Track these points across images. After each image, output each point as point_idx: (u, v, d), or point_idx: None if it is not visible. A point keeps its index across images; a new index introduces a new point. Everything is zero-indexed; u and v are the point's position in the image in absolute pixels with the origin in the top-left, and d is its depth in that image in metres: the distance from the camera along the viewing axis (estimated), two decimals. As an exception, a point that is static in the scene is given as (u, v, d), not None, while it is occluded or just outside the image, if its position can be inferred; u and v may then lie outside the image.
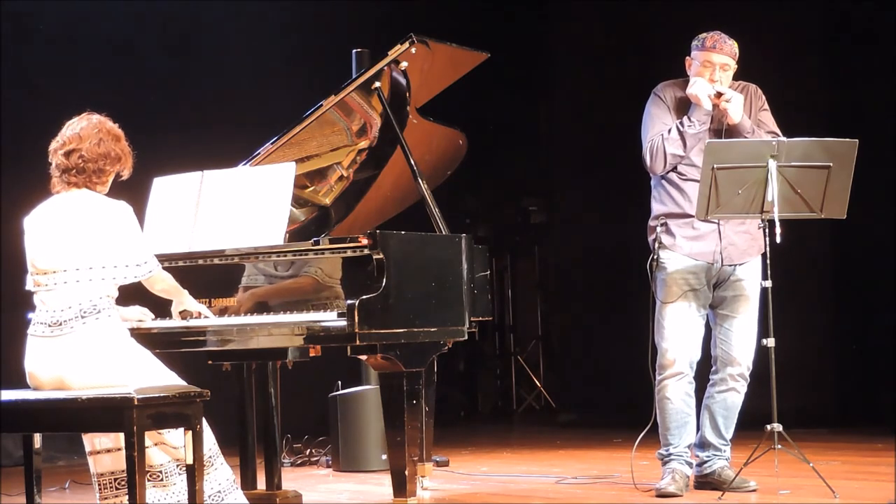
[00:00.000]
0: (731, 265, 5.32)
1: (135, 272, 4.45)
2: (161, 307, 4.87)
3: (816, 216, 5.17)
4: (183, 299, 4.75)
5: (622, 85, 8.44)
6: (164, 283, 4.60)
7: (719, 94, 5.23)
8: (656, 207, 5.41)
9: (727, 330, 5.37)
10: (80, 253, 4.38)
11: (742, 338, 5.35)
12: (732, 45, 5.28)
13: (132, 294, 4.67)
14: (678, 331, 5.30)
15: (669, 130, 5.29)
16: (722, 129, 5.32)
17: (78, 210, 4.43)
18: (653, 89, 5.46)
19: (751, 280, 5.34)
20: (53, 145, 4.53)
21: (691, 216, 5.25)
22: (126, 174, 4.59)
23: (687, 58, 5.37)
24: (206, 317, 4.83)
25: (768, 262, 5.23)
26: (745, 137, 5.25)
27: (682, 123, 5.29)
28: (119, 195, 4.55)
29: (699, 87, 5.25)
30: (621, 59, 8.72)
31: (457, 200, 9.81)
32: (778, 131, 5.36)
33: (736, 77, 5.39)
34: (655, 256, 5.34)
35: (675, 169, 5.33)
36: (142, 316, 4.82)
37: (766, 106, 5.42)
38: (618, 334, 8.38)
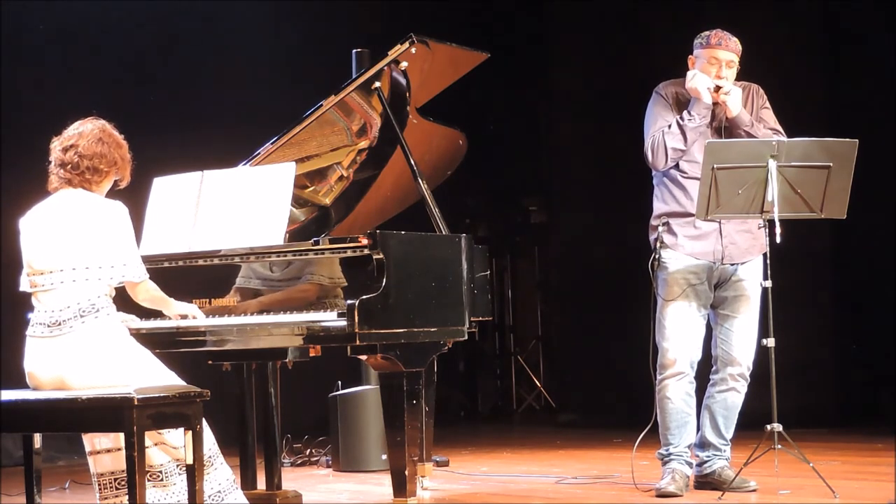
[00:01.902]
0: (732, 264, 5.32)
1: (134, 273, 4.45)
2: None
3: (816, 216, 5.17)
4: (170, 308, 4.72)
5: (622, 85, 8.44)
6: (147, 293, 4.55)
7: (718, 88, 5.23)
8: (658, 206, 5.41)
9: (728, 330, 5.37)
10: (78, 252, 4.37)
11: (743, 338, 5.35)
12: (736, 42, 5.30)
13: (127, 298, 4.64)
14: (679, 330, 5.30)
15: (670, 125, 5.30)
16: (722, 125, 5.32)
17: (74, 209, 4.44)
18: (654, 88, 5.46)
19: (752, 280, 5.34)
20: (54, 142, 4.55)
21: (693, 215, 5.25)
22: (124, 183, 4.60)
23: (690, 56, 5.37)
24: (194, 317, 4.81)
25: (768, 262, 5.23)
26: (745, 131, 5.25)
27: (682, 118, 5.29)
28: (119, 195, 4.56)
29: (698, 81, 5.25)
30: (621, 58, 8.72)
31: (457, 200, 9.81)
32: (779, 128, 5.36)
33: (737, 77, 5.39)
34: (657, 255, 5.33)
35: (676, 166, 5.33)
36: (128, 319, 4.79)
37: (768, 104, 5.42)
38: (618, 334, 8.38)
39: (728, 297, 5.36)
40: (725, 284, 5.35)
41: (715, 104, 5.29)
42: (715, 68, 5.27)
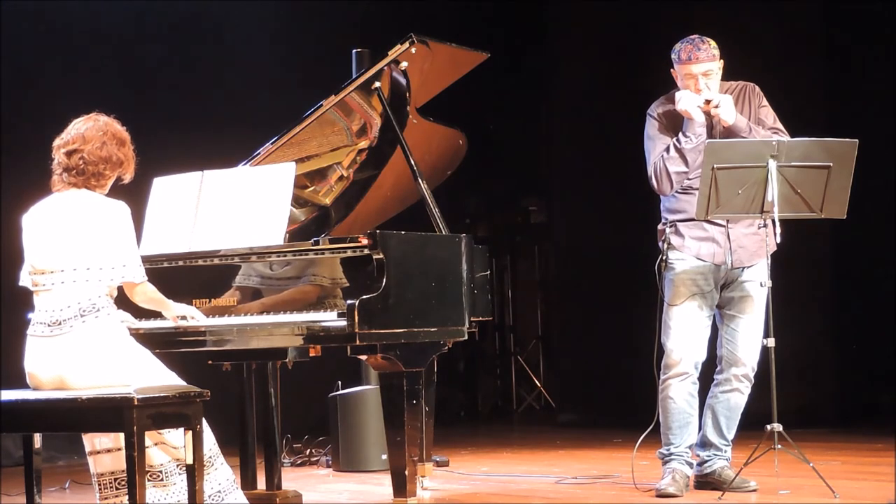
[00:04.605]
0: (740, 268, 5.31)
1: (133, 273, 4.44)
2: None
3: (816, 216, 5.17)
4: (169, 310, 4.72)
5: (622, 84, 8.44)
6: (145, 295, 4.54)
7: (707, 102, 5.20)
8: (666, 211, 5.39)
9: (733, 330, 5.35)
10: (79, 253, 4.37)
11: (747, 338, 5.33)
12: (708, 48, 5.20)
13: (125, 297, 4.64)
14: (684, 331, 5.29)
15: (668, 149, 5.26)
16: (718, 136, 5.27)
17: (76, 210, 4.43)
18: (647, 111, 5.40)
19: (757, 281, 5.31)
20: (57, 142, 4.52)
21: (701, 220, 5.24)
22: (127, 178, 4.58)
23: (672, 70, 5.32)
24: (193, 318, 4.80)
25: (768, 262, 5.22)
26: (743, 137, 5.23)
27: (678, 141, 5.24)
28: (119, 195, 4.55)
29: (686, 102, 5.19)
30: (621, 58, 8.71)
31: (457, 200, 9.81)
32: (779, 126, 5.33)
33: (734, 77, 5.37)
34: (664, 257, 5.32)
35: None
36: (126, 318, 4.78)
37: (765, 102, 5.37)
38: (618, 334, 8.37)
39: (734, 297, 5.34)
40: (732, 285, 5.34)
41: (709, 116, 5.25)
42: (693, 82, 5.21)
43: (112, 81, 7.98)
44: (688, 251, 5.30)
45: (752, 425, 5.34)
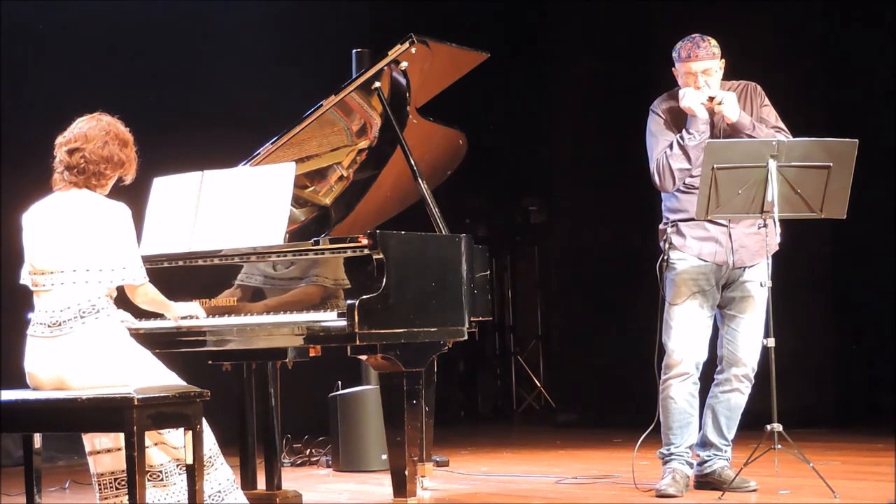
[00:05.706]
0: (741, 268, 5.31)
1: (133, 275, 4.44)
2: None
3: (816, 216, 5.17)
4: (171, 311, 4.72)
5: (622, 84, 8.44)
6: (146, 296, 4.54)
7: (711, 98, 5.20)
8: (667, 211, 5.39)
9: (734, 330, 5.35)
10: (79, 254, 4.37)
11: (748, 338, 5.33)
12: (708, 46, 5.21)
13: (126, 297, 4.63)
14: (686, 331, 5.29)
15: (671, 146, 5.27)
16: (722, 134, 5.28)
17: (76, 211, 4.42)
18: (650, 107, 5.41)
19: (758, 281, 5.31)
20: (59, 140, 4.51)
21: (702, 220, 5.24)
22: (128, 179, 4.57)
23: (673, 68, 5.33)
24: (196, 317, 4.80)
25: (769, 262, 5.22)
26: (747, 134, 5.22)
27: (682, 137, 5.24)
28: (119, 195, 4.55)
29: (690, 98, 5.20)
30: (621, 58, 8.72)
31: (457, 200, 9.81)
32: (781, 125, 5.33)
33: (735, 77, 5.37)
34: (665, 256, 5.32)
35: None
36: (126, 318, 4.78)
37: (767, 102, 5.37)
38: (618, 334, 8.38)
39: (735, 297, 5.34)
40: (733, 285, 5.34)
41: (713, 113, 5.25)
42: (693, 80, 5.21)
43: (112, 81, 7.98)
44: (689, 251, 5.30)
45: (752, 425, 5.34)
